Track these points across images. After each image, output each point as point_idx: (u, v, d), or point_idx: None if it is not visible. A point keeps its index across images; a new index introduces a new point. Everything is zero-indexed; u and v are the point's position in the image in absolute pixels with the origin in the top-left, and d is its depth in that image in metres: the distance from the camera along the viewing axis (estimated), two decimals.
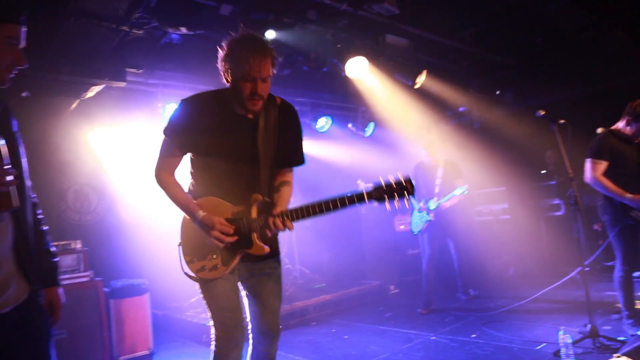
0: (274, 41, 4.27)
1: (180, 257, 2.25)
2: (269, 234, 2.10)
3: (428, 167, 5.67)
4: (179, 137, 2.17)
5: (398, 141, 7.48)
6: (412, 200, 5.53)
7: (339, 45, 5.05)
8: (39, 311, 1.75)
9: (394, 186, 2.02)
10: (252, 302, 2.36)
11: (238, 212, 2.17)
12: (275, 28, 4.18)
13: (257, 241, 2.17)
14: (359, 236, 7.86)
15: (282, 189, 2.29)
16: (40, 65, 3.72)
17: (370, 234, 7.66)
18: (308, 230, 6.97)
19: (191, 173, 2.31)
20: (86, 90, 4.46)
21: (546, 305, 5.09)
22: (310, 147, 7.54)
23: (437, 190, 5.52)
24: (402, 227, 7.31)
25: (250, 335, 2.40)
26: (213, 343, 2.25)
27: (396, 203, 2.03)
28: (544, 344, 3.83)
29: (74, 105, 4.98)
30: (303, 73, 5.56)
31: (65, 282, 4.13)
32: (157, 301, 5.17)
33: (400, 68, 5.30)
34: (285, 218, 2.07)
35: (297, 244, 6.93)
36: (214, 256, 2.20)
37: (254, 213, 2.14)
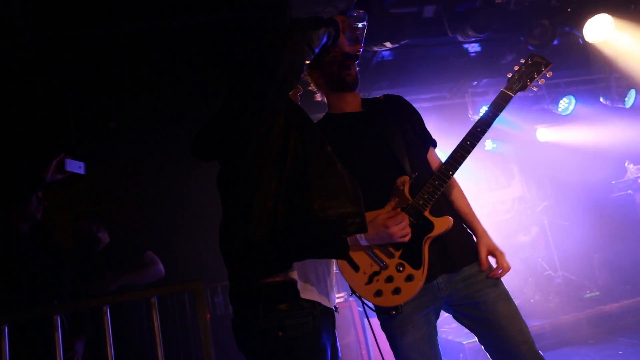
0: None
1: (362, 302, 1.87)
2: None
3: None
4: None
5: None
6: None
7: (569, 10, 4.28)
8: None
9: (523, 68, 1.93)
10: (491, 342, 1.83)
11: (392, 208, 1.86)
12: (483, 14, 3.76)
13: (433, 217, 1.82)
14: (639, 231, 6.39)
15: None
16: None
17: None
18: (567, 228, 6.02)
19: None
20: None
21: None
22: (553, 134, 6.62)
23: None
24: None
25: None
26: None
27: (539, 82, 1.94)
28: None
29: None
30: (529, 53, 4.89)
31: None
32: None
33: None
34: (443, 171, 1.86)
35: (555, 246, 6.05)
36: (400, 268, 1.81)
37: (409, 197, 1.84)
